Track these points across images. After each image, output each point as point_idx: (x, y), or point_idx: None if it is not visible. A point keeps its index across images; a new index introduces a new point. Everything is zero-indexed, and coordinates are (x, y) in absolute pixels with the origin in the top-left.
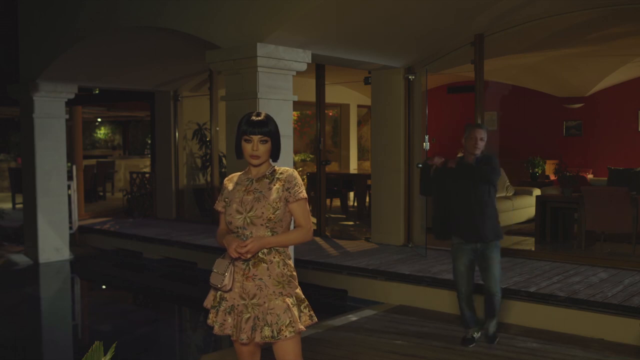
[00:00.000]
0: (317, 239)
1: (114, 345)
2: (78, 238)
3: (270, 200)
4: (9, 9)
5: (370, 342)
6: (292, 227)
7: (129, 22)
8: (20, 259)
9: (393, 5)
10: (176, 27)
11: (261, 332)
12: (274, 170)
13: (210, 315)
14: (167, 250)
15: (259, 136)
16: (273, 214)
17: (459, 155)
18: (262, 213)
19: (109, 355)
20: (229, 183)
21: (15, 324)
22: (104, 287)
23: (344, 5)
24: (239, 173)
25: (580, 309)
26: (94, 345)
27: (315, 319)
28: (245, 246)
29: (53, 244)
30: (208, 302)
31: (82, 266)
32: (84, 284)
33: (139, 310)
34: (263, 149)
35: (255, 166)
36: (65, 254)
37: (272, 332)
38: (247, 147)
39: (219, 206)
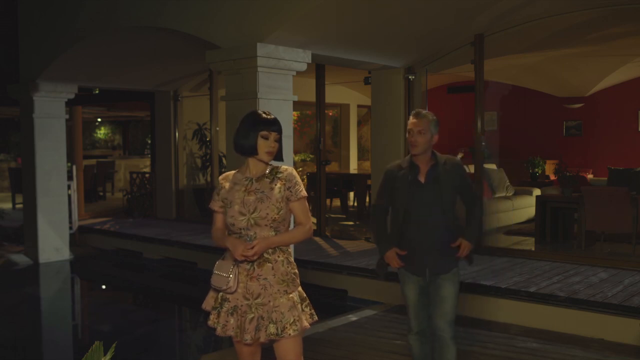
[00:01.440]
0: (317, 239)
1: (114, 345)
2: (78, 238)
3: (273, 200)
4: (9, 9)
5: (370, 342)
6: (291, 225)
7: (129, 22)
8: (20, 259)
9: (393, 5)
10: (176, 27)
11: (266, 330)
12: (273, 169)
13: (212, 317)
14: (167, 250)
15: (275, 134)
16: (277, 214)
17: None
18: (267, 214)
19: (109, 355)
20: (225, 182)
21: (15, 324)
22: (104, 287)
23: (344, 5)
24: (233, 172)
25: (580, 309)
26: (94, 345)
27: (316, 318)
28: (252, 248)
29: (53, 244)
30: (207, 304)
31: (82, 266)
32: (84, 284)
33: (139, 310)
34: (277, 146)
35: (266, 163)
36: (65, 254)
37: (277, 329)
38: (264, 144)
39: (215, 206)
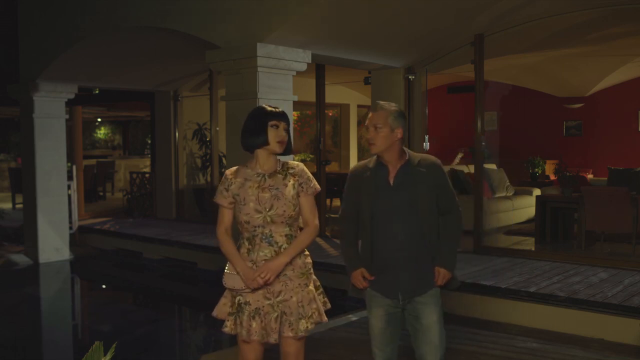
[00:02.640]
0: (317, 239)
1: (114, 345)
2: (78, 238)
3: (289, 197)
4: (9, 9)
5: (369, 342)
6: None
7: (129, 22)
8: (20, 259)
9: (393, 5)
10: (176, 27)
11: (292, 326)
12: (284, 164)
13: (229, 323)
14: (167, 250)
15: (284, 123)
16: (294, 210)
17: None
18: (284, 211)
19: (109, 355)
20: (234, 177)
21: (15, 324)
22: (104, 287)
23: (344, 5)
24: (242, 167)
25: (580, 309)
26: (94, 345)
27: (329, 305)
28: (266, 277)
29: (53, 244)
30: (220, 312)
31: (82, 266)
32: (84, 284)
33: (139, 310)
34: (287, 136)
35: (277, 156)
36: (65, 254)
37: (307, 324)
38: (275, 133)
39: (225, 201)
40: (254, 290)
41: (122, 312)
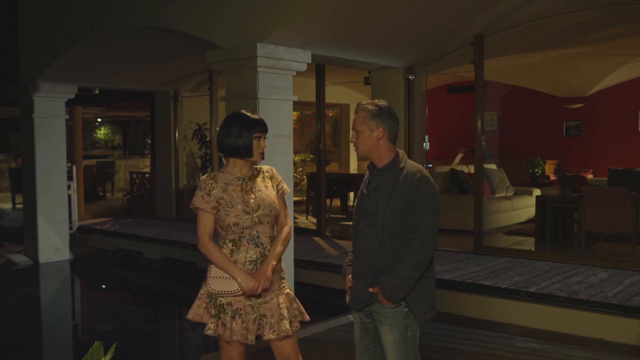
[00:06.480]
0: (317, 239)
1: (114, 345)
2: (78, 238)
3: (273, 198)
4: (9, 8)
5: None
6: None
7: (129, 22)
8: (20, 259)
9: (393, 5)
10: (177, 28)
11: (273, 327)
12: (256, 168)
13: (212, 325)
14: (167, 250)
15: (264, 134)
16: (277, 211)
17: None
18: (270, 211)
19: (109, 355)
20: (215, 183)
21: (15, 324)
22: (104, 287)
23: (344, 5)
24: (218, 172)
25: (580, 309)
26: (94, 345)
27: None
28: (266, 286)
29: (53, 244)
30: (196, 315)
31: (82, 266)
32: (84, 284)
33: (139, 310)
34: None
35: (258, 163)
36: (65, 254)
37: (290, 325)
38: (258, 145)
39: (207, 206)
40: (250, 296)
41: (122, 312)
